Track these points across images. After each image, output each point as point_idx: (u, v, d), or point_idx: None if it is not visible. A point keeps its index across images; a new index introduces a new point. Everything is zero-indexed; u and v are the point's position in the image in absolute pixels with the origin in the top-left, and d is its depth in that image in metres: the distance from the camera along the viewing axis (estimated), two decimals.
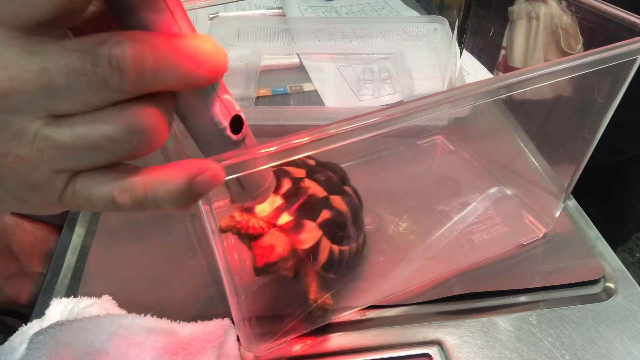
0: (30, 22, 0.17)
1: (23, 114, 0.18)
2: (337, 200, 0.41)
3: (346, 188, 0.43)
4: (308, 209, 0.39)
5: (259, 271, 0.36)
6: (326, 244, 0.39)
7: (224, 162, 0.23)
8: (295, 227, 0.38)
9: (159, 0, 0.20)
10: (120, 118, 0.19)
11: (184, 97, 0.21)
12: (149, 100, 0.19)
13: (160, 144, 0.20)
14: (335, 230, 0.40)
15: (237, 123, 0.23)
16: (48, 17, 0.17)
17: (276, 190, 0.39)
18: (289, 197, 0.39)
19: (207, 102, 0.21)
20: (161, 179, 0.20)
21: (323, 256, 0.39)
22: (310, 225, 0.39)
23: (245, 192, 0.26)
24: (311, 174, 0.42)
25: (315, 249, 0.38)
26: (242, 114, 0.23)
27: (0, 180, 0.20)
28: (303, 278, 0.40)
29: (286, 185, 0.40)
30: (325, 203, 0.40)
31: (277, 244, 0.37)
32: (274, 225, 0.38)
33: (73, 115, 0.19)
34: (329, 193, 0.41)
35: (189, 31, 0.21)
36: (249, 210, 0.38)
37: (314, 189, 0.40)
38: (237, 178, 0.25)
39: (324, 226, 0.39)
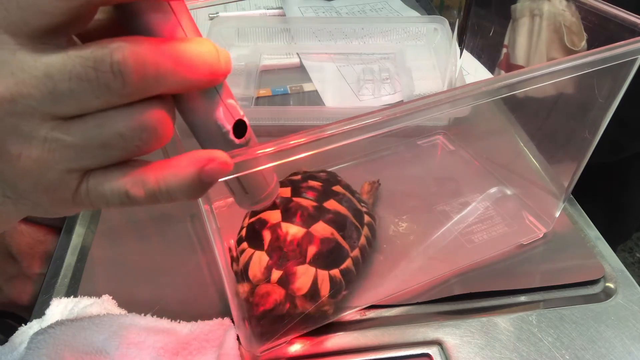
0: (38, 29, 0.18)
1: (30, 117, 0.19)
2: (319, 229, 0.41)
3: (327, 205, 0.43)
4: (294, 252, 0.40)
5: (259, 318, 0.38)
6: (324, 276, 0.40)
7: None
8: (289, 277, 0.39)
9: (165, 5, 0.20)
10: (129, 116, 0.19)
11: (189, 100, 0.22)
12: (154, 98, 0.20)
13: (167, 139, 0.21)
14: (328, 257, 0.40)
15: (240, 127, 0.23)
16: (56, 23, 0.18)
17: (260, 244, 0.40)
18: (273, 250, 0.40)
19: (211, 105, 0.22)
20: (172, 170, 0.21)
21: (325, 289, 0.40)
22: (301, 269, 0.39)
23: (247, 195, 0.26)
24: (286, 214, 0.42)
25: (314, 288, 0.39)
26: (245, 119, 0.23)
27: (14, 185, 0.20)
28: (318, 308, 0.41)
29: (267, 237, 0.41)
30: (308, 238, 0.40)
31: (273, 290, 0.38)
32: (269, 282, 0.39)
33: (82, 116, 0.19)
34: (308, 226, 0.41)
35: (193, 35, 0.21)
36: (248, 280, 0.39)
37: (292, 231, 0.40)
38: (239, 181, 0.25)
39: (315, 261, 0.40)
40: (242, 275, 0.40)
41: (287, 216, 0.41)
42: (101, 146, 0.19)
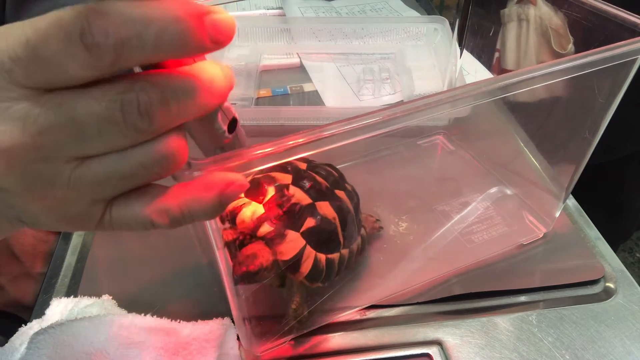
0: (60, 84, 0.18)
1: (54, 161, 0.19)
2: (323, 207, 0.40)
3: (338, 192, 0.42)
4: (292, 217, 0.39)
5: (236, 280, 0.36)
6: (310, 253, 0.38)
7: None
8: (277, 237, 0.38)
9: None
10: (151, 147, 0.20)
11: None
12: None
13: (185, 161, 0.21)
14: (321, 238, 0.39)
15: (232, 123, 0.24)
16: (78, 80, 0.18)
17: (259, 198, 0.39)
18: (272, 205, 0.38)
19: (211, 114, 0.23)
20: (193, 196, 0.21)
21: (306, 267, 0.38)
22: (292, 235, 0.38)
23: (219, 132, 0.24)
24: (298, 179, 0.40)
25: (296, 260, 0.38)
26: (236, 115, 0.24)
27: (35, 219, 0.21)
28: (289, 288, 0.40)
29: (270, 192, 0.39)
30: (310, 210, 0.39)
31: (260, 254, 0.37)
32: (255, 236, 0.37)
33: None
34: (314, 200, 0.40)
35: (201, 59, 0.22)
36: (232, 224, 0.38)
37: (299, 196, 0.39)
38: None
39: (308, 235, 0.38)
40: (227, 217, 0.38)
41: (298, 182, 0.40)
42: (123, 177, 0.20)
